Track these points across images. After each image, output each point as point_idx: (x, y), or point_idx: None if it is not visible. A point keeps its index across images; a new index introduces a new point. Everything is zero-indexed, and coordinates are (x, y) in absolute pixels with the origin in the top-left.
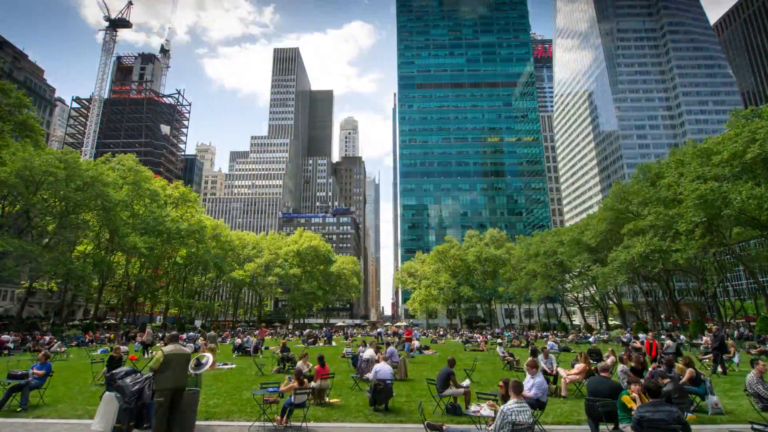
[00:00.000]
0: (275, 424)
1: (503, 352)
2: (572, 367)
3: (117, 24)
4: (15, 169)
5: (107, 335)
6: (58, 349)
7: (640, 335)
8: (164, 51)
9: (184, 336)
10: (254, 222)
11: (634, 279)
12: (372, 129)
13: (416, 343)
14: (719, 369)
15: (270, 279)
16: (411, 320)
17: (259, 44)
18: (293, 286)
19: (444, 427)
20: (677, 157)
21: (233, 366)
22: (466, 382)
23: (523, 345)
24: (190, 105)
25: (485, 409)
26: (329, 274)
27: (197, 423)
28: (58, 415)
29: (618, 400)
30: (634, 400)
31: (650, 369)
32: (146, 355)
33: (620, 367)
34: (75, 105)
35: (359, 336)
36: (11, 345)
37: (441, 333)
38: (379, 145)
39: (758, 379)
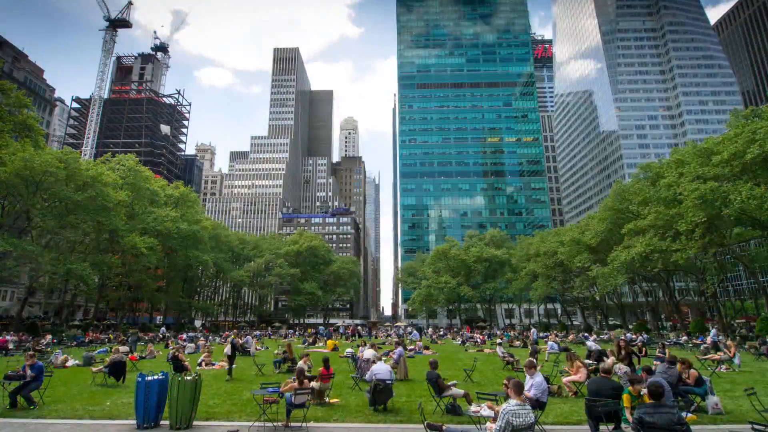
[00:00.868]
0: (278, 424)
1: (503, 353)
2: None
3: (117, 24)
4: (15, 169)
5: (107, 336)
6: (55, 356)
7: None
8: (164, 50)
9: (184, 336)
10: (254, 222)
11: (634, 279)
12: (372, 129)
13: (419, 343)
14: None
15: (270, 279)
16: (411, 320)
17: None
18: (293, 286)
19: (444, 427)
20: (677, 156)
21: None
22: (452, 384)
23: (522, 345)
24: (190, 105)
25: (485, 410)
26: (329, 274)
27: (197, 423)
28: (58, 415)
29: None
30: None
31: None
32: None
33: (619, 366)
34: (75, 105)
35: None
36: (11, 345)
37: (441, 333)
38: (379, 145)
39: None
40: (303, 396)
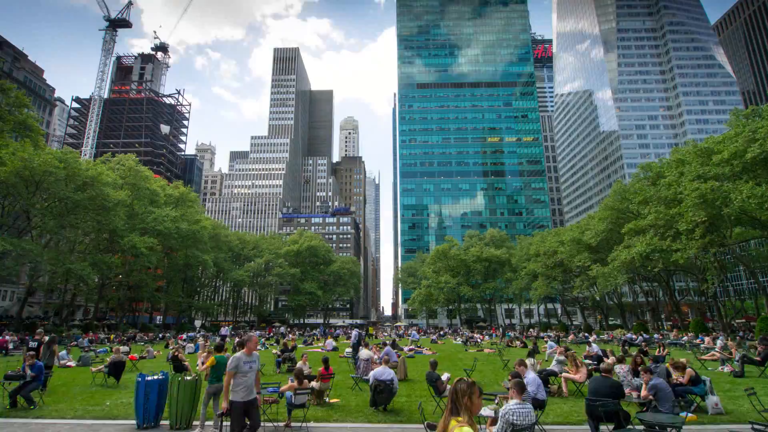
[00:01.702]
0: (278, 424)
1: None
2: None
3: (117, 24)
4: (15, 169)
5: (107, 336)
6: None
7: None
8: (164, 49)
9: (184, 336)
10: (254, 222)
11: (635, 279)
12: (372, 129)
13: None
14: None
15: (270, 279)
16: (411, 320)
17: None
18: (293, 286)
19: None
20: (678, 156)
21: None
22: (445, 376)
23: (522, 345)
24: (190, 105)
25: (485, 409)
26: (329, 274)
27: (197, 423)
28: (58, 415)
29: None
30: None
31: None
32: None
33: (619, 366)
34: (75, 105)
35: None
36: (11, 345)
37: (441, 333)
38: (379, 145)
39: None
40: (303, 396)
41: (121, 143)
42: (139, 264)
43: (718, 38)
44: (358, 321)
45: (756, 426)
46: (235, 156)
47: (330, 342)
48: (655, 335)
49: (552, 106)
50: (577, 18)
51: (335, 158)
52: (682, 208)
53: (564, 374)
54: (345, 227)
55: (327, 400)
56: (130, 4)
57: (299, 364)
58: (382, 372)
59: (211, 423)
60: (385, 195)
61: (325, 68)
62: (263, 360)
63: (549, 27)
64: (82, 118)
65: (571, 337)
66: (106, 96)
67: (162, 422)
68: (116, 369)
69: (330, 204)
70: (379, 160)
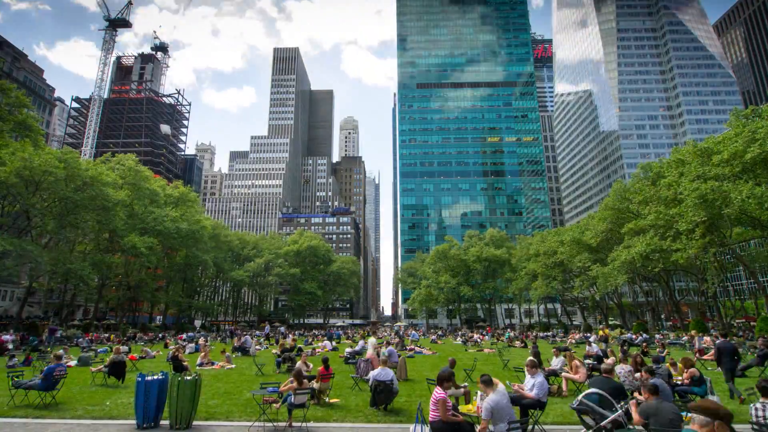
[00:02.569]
0: (278, 424)
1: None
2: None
3: (117, 24)
4: (14, 169)
5: (107, 335)
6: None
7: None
8: (163, 49)
9: (184, 336)
10: (254, 222)
11: (635, 279)
12: (372, 129)
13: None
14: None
15: (270, 279)
16: (411, 320)
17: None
18: (293, 286)
19: None
20: (678, 156)
21: (233, 366)
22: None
23: (522, 345)
24: (190, 105)
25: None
26: (329, 274)
27: (197, 423)
28: (58, 415)
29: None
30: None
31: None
32: None
33: (620, 367)
34: (75, 105)
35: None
36: (11, 345)
37: (441, 333)
38: (379, 145)
39: None
40: (303, 396)
41: (121, 143)
42: (139, 264)
43: (718, 38)
44: (358, 321)
45: (756, 426)
46: (235, 156)
47: (326, 343)
48: (656, 335)
49: (552, 106)
50: (577, 18)
51: (335, 158)
52: (682, 208)
53: (564, 374)
54: (345, 227)
55: (327, 400)
56: (129, 4)
57: (298, 364)
58: (380, 372)
59: None
60: (385, 195)
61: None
62: (263, 360)
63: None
64: (82, 118)
65: (571, 336)
66: (106, 96)
67: (162, 422)
68: (116, 369)
69: (330, 204)
70: (379, 160)
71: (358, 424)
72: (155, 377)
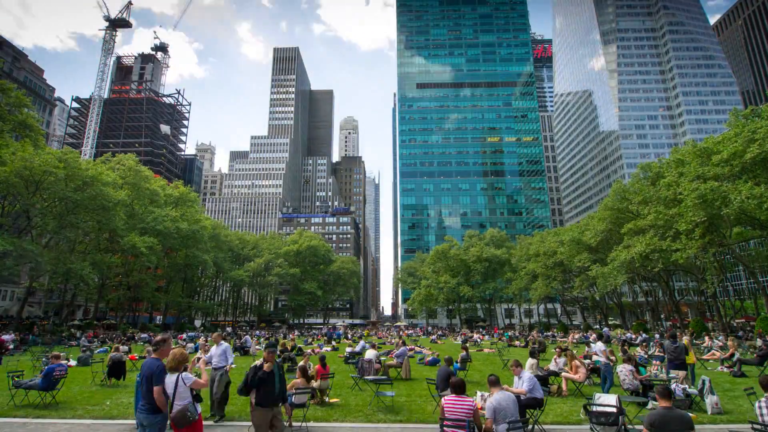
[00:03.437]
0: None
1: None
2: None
3: (117, 24)
4: (14, 169)
5: (104, 334)
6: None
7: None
8: (163, 49)
9: (184, 336)
10: (254, 222)
11: (634, 279)
12: (372, 129)
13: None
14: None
15: (270, 279)
16: (411, 320)
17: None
18: (293, 286)
19: None
20: (677, 156)
21: (233, 366)
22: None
23: (522, 345)
24: (190, 105)
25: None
26: (329, 274)
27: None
28: (58, 415)
29: None
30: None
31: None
32: None
33: (620, 367)
34: (75, 105)
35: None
36: (11, 345)
37: (440, 333)
38: (379, 145)
39: None
40: (303, 396)
41: (121, 143)
42: (139, 264)
43: (717, 38)
44: (358, 321)
45: (755, 426)
46: (235, 156)
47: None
48: (656, 335)
49: (552, 106)
50: (577, 18)
51: (335, 158)
52: (681, 208)
53: (564, 374)
54: (345, 227)
55: (327, 399)
56: (129, 4)
57: (301, 363)
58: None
59: None
60: (385, 195)
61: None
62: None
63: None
64: (82, 118)
65: (571, 336)
66: (106, 96)
67: None
68: (116, 369)
69: (330, 204)
70: (379, 160)
71: (358, 423)
72: None
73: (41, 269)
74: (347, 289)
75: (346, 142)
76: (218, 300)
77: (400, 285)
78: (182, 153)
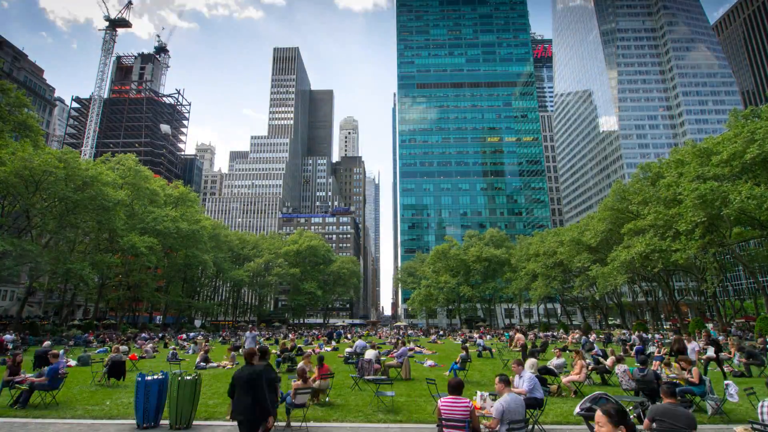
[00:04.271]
0: (279, 424)
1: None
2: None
3: (117, 24)
4: (14, 169)
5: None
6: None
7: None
8: (164, 50)
9: (184, 336)
10: (254, 222)
11: (634, 279)
12: (372, 129)
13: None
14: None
15: (270, 279)
16: (411, 320)
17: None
18: (293, 286)
19: None
20: (677, 156)
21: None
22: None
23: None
24: (190, 105)
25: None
26: (329, 274)
27: (197, 423)
28: (58, 415)
29: None
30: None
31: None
32: None
33: (620, 366)
34: (75, 105)
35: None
36: (11, 345)
37: (440, 333)
38: (379, 145)
39: None
40: (304, 396)
41: (121, 143)
42: (139, 264)
43: (717, 38)
44: (358, 321)
45: (756, 425)
46: (235, 156)
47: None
48: (656, 335)
49: (552, 106)
50: (577, 18)
51: (335, 158)
52: (681, 208)
53: (564, 378)
54: (345, 227)
55: (327, 399)
56: (129, 3)
57: (301, 364)
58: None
59: None
60: (385, 195)
61: (325, 68)
62: None
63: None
64: (82, 118)
65: (572, 335)
66: (106, 96)
67: (162, 422)
68: (115, 369)
69: (330, 204)
70: (379, 160)
71: (358, 423)
72: (155, 377)
73: (41, 269)
74: (347, 289)
75: (346, 142)
76: (218, 300)
77: (400, 285)
78: (182, 153)
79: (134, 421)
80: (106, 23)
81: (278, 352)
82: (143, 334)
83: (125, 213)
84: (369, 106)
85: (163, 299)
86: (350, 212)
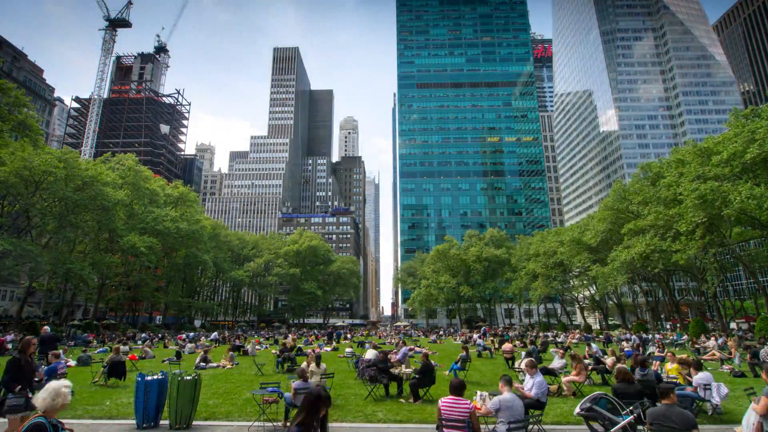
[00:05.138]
0: (278, 424)
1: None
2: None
3: (117, 24)
4: (14, 169)
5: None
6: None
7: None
8: (164, 50)
9: (184, 336)
10: (254, 222)
11: (634, 279)
12: (372, 129)
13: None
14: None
15: (270, 279)
16: (411, 320)
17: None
18: (293, 286)
19: None
20: (677, 156)
21: (237, 363)
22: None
23: (522, 345)
24: (189, 105)
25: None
26: (329, 274)
27: (197, 423)
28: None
29: None
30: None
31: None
32: None
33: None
34: (74, 105)
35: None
36: (10, 345)
37: (440, 333)
38: (379, 145)
39: None
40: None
41: (121, 143)
42: (138, 264)
43: (718, 38)
44: (358, 321)
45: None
46: (235, 156)
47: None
48: (656, 335)
49: (552, 106)
50: (577, 18)
51: (335, 158)
52: (681, 208)
53: (564, 378)
54: (345, 227)
55: None
56: (129, 3)
57: (302, 365)
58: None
59: None
60: (385, 195)
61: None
62: (263, 360)
63: (549, 27)
64: (81, 118)
65: (572, 335)
66: (105, 96)
67: (162, 422)
68: (115, 369)
69: (330, 204)
70: (379, 160)
71: (358, 423)
72: (155, 377)
73: (41, 269)
74: (347, 289)
75: (346, 142)
76: (218, 300)
77: (400, 285)
78: (182, 153)
79: (134, 421)
80: (106, 23)
81: (278, 352)
82: (143, 334)
83: (125, 213)
84: (369, 106)
85: (163, 299)
86: (350, 212)
